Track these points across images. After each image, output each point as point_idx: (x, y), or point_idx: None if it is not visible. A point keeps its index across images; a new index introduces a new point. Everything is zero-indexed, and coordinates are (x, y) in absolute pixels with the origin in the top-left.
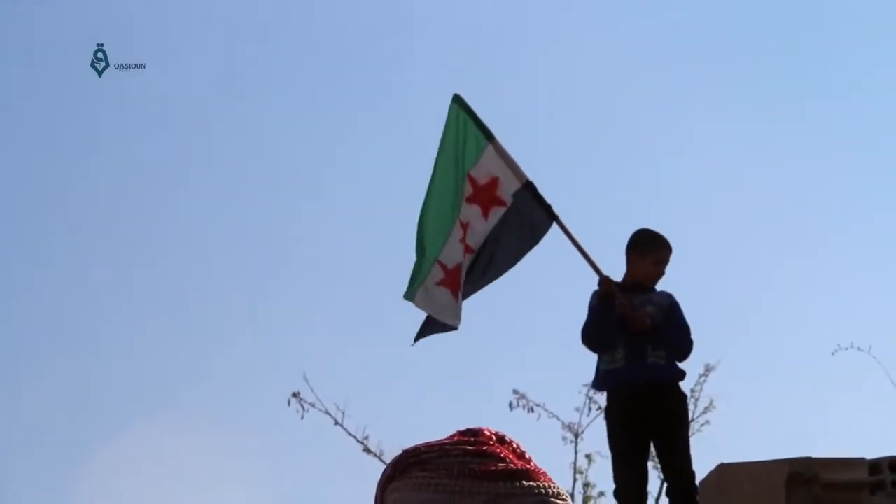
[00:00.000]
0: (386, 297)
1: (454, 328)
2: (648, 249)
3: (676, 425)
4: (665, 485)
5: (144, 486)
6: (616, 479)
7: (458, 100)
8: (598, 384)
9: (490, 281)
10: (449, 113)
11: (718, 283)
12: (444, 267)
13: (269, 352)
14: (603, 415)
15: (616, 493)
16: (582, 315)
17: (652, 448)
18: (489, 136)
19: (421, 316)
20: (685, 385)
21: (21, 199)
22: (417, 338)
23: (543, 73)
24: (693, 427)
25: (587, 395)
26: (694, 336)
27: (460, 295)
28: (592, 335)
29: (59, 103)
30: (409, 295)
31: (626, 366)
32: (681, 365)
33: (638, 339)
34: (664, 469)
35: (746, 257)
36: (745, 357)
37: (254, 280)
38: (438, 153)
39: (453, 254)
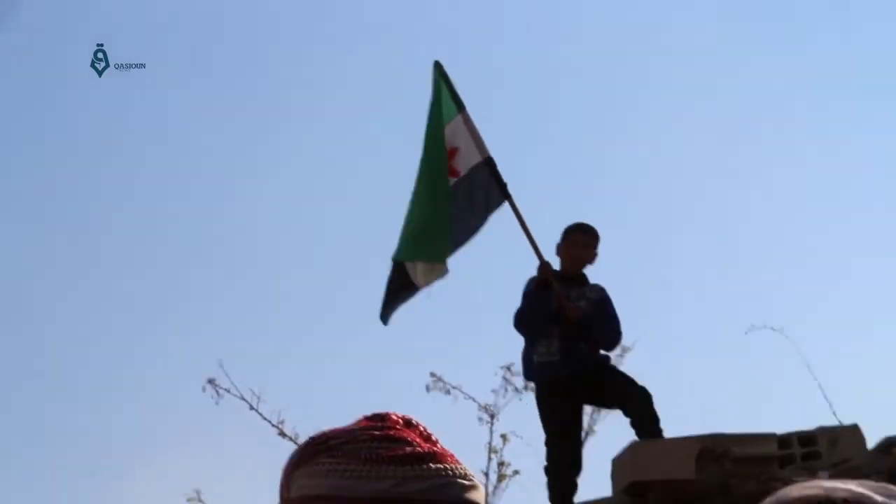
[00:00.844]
0: (301, 282)
1: (419, 290)
2: (566, 236)
3: (611, 372)
4: (625, 405)
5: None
6: (549, 457)
7: (437, 67)
8: (530, 374)
9: (453, 251)
10: (432, 81)
11: (633, 265)
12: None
13: (184, 340)
14: (535, 402)
15: (547, 470)
16: (500, 299)
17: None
18: (460, 106)
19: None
20: None
21: (20, 200)
22: (386, 317)
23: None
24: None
25: (504, 378)
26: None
27: None
28: (527, 320)
29: (59, 103)
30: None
31: (560, 360)
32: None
33: (572, 335)
34: (617, 397)
35: (661, 237)
36: (660, 338)
37: (172, 267)
38: (428, 120)
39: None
